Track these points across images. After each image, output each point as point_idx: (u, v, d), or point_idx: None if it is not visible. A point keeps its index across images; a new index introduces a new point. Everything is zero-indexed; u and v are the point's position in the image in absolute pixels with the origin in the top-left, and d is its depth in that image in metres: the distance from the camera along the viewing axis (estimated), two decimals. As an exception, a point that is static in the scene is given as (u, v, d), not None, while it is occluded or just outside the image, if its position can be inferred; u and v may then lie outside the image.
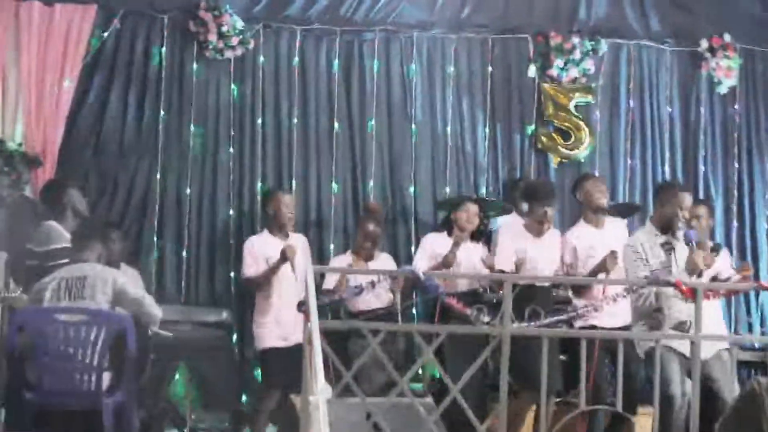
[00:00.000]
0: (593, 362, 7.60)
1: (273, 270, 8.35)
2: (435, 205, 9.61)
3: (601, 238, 8.23)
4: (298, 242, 8.59)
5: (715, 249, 7.67)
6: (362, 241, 8.74)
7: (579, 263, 8.26)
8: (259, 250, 8.51)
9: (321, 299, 7.14)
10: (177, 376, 8.60)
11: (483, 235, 8.74)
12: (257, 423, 8.46)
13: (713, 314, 7.28)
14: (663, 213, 7.56)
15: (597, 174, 9.60)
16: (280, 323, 8.35)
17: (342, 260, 8.83)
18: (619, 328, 7.79)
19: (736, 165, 10.42)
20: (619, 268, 7.88)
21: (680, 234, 7.47)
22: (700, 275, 7.15)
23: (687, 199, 7.82)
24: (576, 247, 8.30)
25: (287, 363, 7.98)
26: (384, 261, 8.84)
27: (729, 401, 7.03)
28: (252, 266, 8.48)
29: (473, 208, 8.60)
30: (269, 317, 8.43)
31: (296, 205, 8.92)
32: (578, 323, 7.89)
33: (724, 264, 8.08)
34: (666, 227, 7.49)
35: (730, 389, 7.21)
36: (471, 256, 8.48)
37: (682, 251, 7.37)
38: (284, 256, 8.24)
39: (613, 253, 7.88)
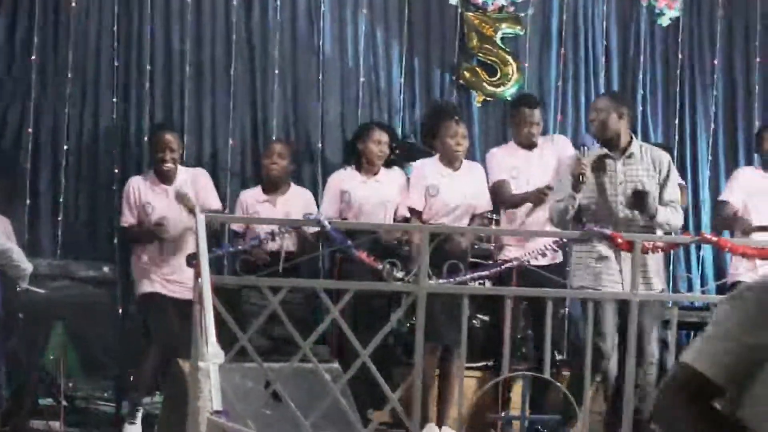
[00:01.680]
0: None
1: (152, 233, 8.02)
2: (344, 148, 9.40)
3: (530, 162, 8.12)
4: (198, 180, 8.29)
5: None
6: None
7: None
8: (136, 195, 8.19)
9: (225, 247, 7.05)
10: (52, 339, 8.35)
11: (394, 164, 8.55)
12: (137, 387, 8.17)
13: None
14: None
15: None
16: (168, 265, 8.07)
17: (251, 195, 8.58)
18: (546, 267, 7.57)
19: (678, 106, 10.42)
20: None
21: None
22: (578, 183, 7.05)
23: (601, 101, 7.66)
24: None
25: (173, 314, 7.86)
26: (293, 198, 8.56)
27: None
28: (128, 215, 8.20)
29: (383, 136, 8.37)
30: (153, 256, 8.12)
31: (189, 145, 8.70)
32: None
33: None
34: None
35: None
36: (383, 188, 8.32)
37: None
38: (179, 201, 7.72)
39: (547, 187, 7.77)
